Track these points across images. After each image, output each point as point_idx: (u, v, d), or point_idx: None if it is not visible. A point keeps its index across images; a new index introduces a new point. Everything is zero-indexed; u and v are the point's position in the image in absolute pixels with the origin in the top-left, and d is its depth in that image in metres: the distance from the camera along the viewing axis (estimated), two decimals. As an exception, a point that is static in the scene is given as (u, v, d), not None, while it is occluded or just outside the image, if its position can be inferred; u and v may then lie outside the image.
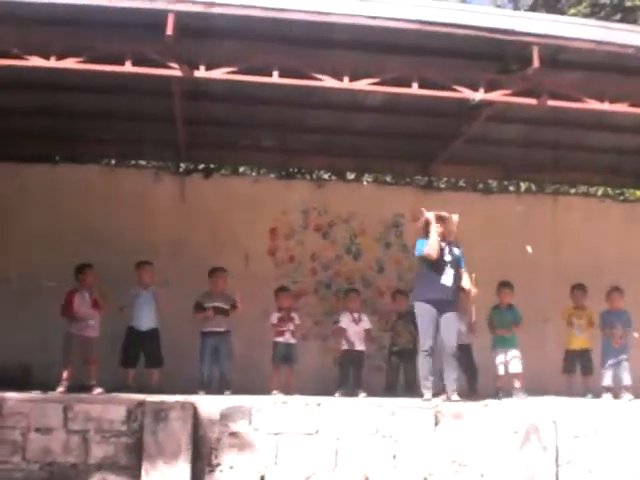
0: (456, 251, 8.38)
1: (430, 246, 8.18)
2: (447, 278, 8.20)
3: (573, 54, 7.97)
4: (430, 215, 8.31)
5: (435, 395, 8.05)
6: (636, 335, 9.51)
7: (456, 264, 8.31)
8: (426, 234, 8.30)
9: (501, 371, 9.39)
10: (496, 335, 9.47)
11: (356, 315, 9.61)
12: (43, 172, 10.50)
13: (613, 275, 10.18)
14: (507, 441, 7.07)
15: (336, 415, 6.98)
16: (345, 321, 9.57)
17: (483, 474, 7.01)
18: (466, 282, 8.45)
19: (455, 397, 7.97)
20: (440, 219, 8.31)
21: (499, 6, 18.54)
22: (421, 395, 7.97)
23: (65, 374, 8.40)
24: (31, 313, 9.52)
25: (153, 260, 9.28)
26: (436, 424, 7.05)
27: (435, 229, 8.22)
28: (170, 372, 8.87)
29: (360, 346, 9.51)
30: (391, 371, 9.81)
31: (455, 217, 8.36)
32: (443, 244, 8.28)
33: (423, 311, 8.17)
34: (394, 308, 10.13)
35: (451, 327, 8.14)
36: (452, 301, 8.21)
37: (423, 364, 8.13)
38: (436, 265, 8.19)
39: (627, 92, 8.28)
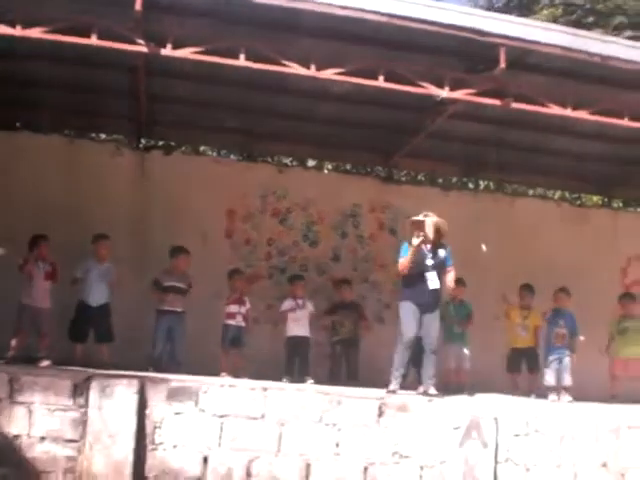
0: (441, 253, 8.41)
1: (402, 262, 8.30)
2: (432, 282, 8.30)
3: (540, 58, 8.04)
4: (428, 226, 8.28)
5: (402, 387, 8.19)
6: (582, 338, 9.63)
7: (439, 266, 8.38)
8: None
9: (451, 366, 9.56)
10: (453, 326, 9.64)
11: (300, 301, 9.69)
12: (2, 138, 10.32)
13: (564, 277, 10.30)
14: (448, 436, 7.17)
15: (282, 401, 7.03)
16: (287, 306, 9.67)
17: (423, 467, 7.11)
18: (450, 280, 8.54)
19: (432, 391, 8.13)
20: (416, 224, 8.32)
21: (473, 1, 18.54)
22: (386, 385, 8.07)
23: (14, 343, 8.37)
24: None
25: (109, 234, 9.20)
26: (380, 415, 7.13)
27: (415, 243, 8.23)
28: (121, 348, 8.85)
29: (304, 332, 9.60)
30: (334, 360, 9.93)
31: (431, 220, 8.33)
32: (426, 248, 8.33)
33: (407, 309, 8.26)
34: (338, 297, 10.22)
35: (433, 326, 8.29)
36: (435, 302, 8.35)
37: (399, 356, 8.22)
38: (416, 272, 8.27)
39: (589, 99, 8.39)
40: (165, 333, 8.98)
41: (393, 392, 7.95)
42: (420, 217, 8.33)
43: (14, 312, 8.50)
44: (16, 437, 6.63)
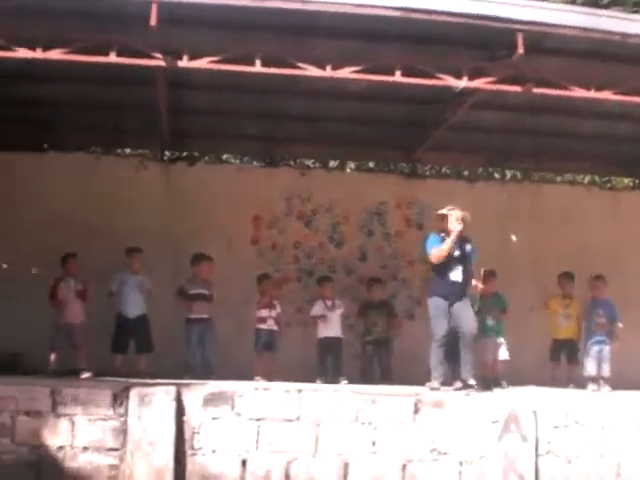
0: (467, 247, 8.47)
1: (439, 252, 8.31)
2: (456, 274, 8.34)
3: (558, 41, 7.92)
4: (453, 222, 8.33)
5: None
6: (620, 325, 9.51)
7: (465, 259, 8.41)
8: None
9: (488, 359, 9.48)
10: (487, 318, 9.54)
11: (329, 302, 9.69)
12: (31, 160, 10.51)
13: (598, 262, 10.26)
14: (487, 430, 7.09)
15: (317, 402, 7.02)
16: (319, 309, 9.67)
17: (462, 462, 7.04)
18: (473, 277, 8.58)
19: (472, 381, 8.15)
20: (441, 217, 8.39)
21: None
22: (424, 382, 8.09)
23: (53, 358, 8.66)
24: (20, 301, 9.51)
25: (139, 247, 9.35)
26: (416, 412, 7.07)
27: (453, 235, 8.28)
28: (156, 357, 9.04)
29: (336, 333, 9.60)
30: (366, 359, 9.91)
31: (457, 213, 8.37)
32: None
33: (435, 304, 8.32)
34: (368, 297, 10.19)
35: (464, 316, 8.30)
36: (462, 292, 8.37)
37: (435, 354, 8.24)
38: (444, 263, 8.31)
39: (612, 79, 8.25)
40: (197, 340, 9.06)
41: (437, 389, 7.95)
42: (444, 211, 8.36)
43: (50, 328, 8.76)
44: (60, 449, 6.74)
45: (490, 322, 9.60)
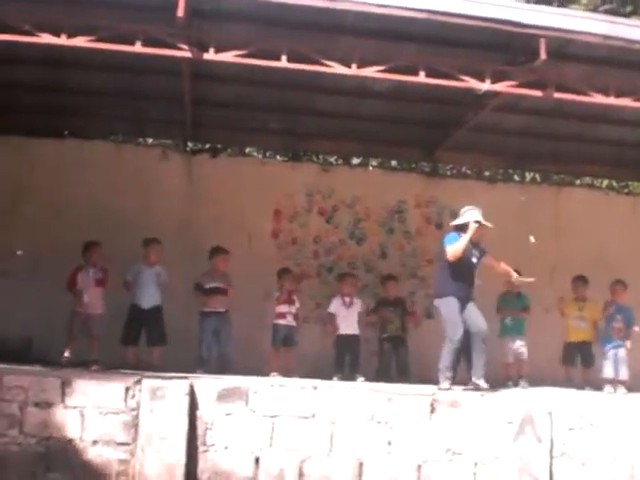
0: (479, 255, 8.48)
1: (455, 249, 8.25)
2: (470, 278, 8.35)
3: (580, 47, 7.95)
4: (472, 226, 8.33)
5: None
6: (637, 329, 9.50)
7: (479, 261, 8.45)
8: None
9: (510, 359, 9.51)
10: (507, 318, 9.58)
11: (347, 299, 9.70)
12: (51, 147, 10.54)
13: (615, 267, 10.24)
14: (502, 431, 7.11)
15: (332, 399, 7.02)
16: (335, 305, 9.67)
17: (477, 463, 7.05)
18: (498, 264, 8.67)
19: (483, 383, 8.09)
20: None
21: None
22: (436, 382, 8.06)
23: (68, 349, 8.58)
24: (35, 288, 9.56)
25: (158, 238, 9.29)
26: (432, 412, 7.08)
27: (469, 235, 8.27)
28: (170, 350, 8.95)
29: (354, 330, 9.60)
30: (383, 357, 9.89)
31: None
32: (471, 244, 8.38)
33: (451, 305, 8.23)
34: (383, 294, 10.20)
35: (476, 314, 8.27)
36: (472, 293, 8.38)
37: (448, 355, 8.16)
38: (462, 265, 8.29)
39: (632, 87, 8.30)
40: (211, 334, 9.02)
41: (448, 389, 7.93)
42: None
43: (66, 316, 8.73)
44: (69, 441, 6.69)
45: (512, 320, 9.63)
